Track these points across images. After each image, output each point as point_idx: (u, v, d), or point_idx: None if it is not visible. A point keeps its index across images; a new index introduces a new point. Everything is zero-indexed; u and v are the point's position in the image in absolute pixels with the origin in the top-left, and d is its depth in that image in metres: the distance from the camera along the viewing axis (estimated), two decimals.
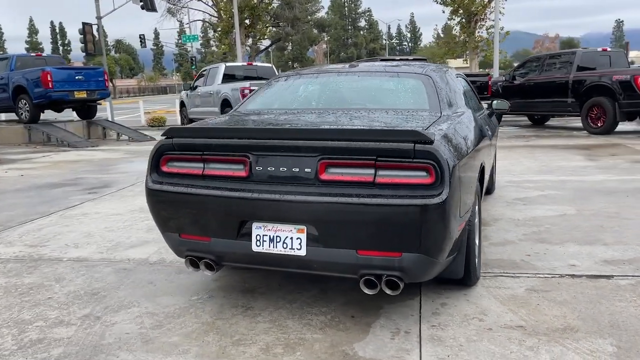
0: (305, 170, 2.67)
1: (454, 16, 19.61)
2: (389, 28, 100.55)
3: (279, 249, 2.72)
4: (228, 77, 14.14)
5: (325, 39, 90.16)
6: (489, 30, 20.16)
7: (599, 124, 11.53)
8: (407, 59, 4.94)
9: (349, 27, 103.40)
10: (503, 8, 17.96)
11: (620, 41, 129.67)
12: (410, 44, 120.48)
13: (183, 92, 16.97)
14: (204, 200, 2.83)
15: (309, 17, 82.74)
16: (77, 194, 6.68)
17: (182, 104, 16.60)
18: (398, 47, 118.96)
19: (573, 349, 2.53)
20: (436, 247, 2.57)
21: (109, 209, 5.75)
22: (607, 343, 2.58)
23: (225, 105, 13.14)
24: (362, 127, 2.81)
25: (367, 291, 2.70)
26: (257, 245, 2.76)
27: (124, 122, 17.22)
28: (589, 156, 8.52)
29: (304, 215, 2.65)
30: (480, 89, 12.32)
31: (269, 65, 14.86)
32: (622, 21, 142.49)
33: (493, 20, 19.74)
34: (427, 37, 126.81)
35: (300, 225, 2.68)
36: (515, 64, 15.67)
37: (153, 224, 4.95)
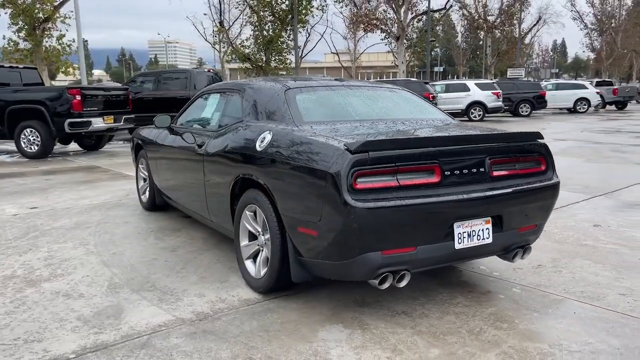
0: (480, 170, 3.15)
1: (18, 20, 17.28)
2: None
3: (474, 242, 3.11)
4: None
5: None
6: (61, 41, 18.82)
7: None
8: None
9: None
10: (70, 18, 17.19)
11: (88, 59, 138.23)
12: None
13: None
14: (416, 211, 2.86)
15: None
16: None
17: None
18: None
19: None
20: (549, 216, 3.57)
21: None
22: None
23: None
24: (512, 131, 3.42)
25: (513, 261, 3.41)
26: (459, 243, 3.04)
27: None
28: None
29: (490, 208, 3.14)
30: (120, 104, 11.96)
31: None
32: (87, 41, 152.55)
33: (60, 30, 18.63)
34: None
35: (487, 217, 3.15)
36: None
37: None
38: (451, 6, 32.85)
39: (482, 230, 3.14)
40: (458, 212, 3.02)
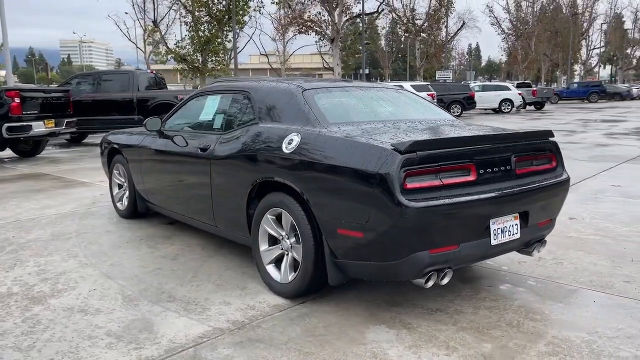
0: (507, 167, 3.27)
1: None
2: None
3: (506, 238, 3.21)
4: None
5: None
6: None
7: None
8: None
9: None
10: None
11: None
12: None
13: None
14: (461, 209, 2.92)
15: None
16: None
17: None
18: None
19: None
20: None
21: None
22: None
23: None
24: (529, 130, 3.52)
25: (532, 254, 3.55)
26: (495, 239, 3.13)
27: None
28: None
29: (519, 204, 3.26)
30: (61, 107, 11.26)
31: None
32: None
33: None
34: None
35: (515, 213, 3.26)
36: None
37: None
38: (382, 10, 33.59)
39: (512, 225, 3.25)
40: (494, 208, 3.10)
